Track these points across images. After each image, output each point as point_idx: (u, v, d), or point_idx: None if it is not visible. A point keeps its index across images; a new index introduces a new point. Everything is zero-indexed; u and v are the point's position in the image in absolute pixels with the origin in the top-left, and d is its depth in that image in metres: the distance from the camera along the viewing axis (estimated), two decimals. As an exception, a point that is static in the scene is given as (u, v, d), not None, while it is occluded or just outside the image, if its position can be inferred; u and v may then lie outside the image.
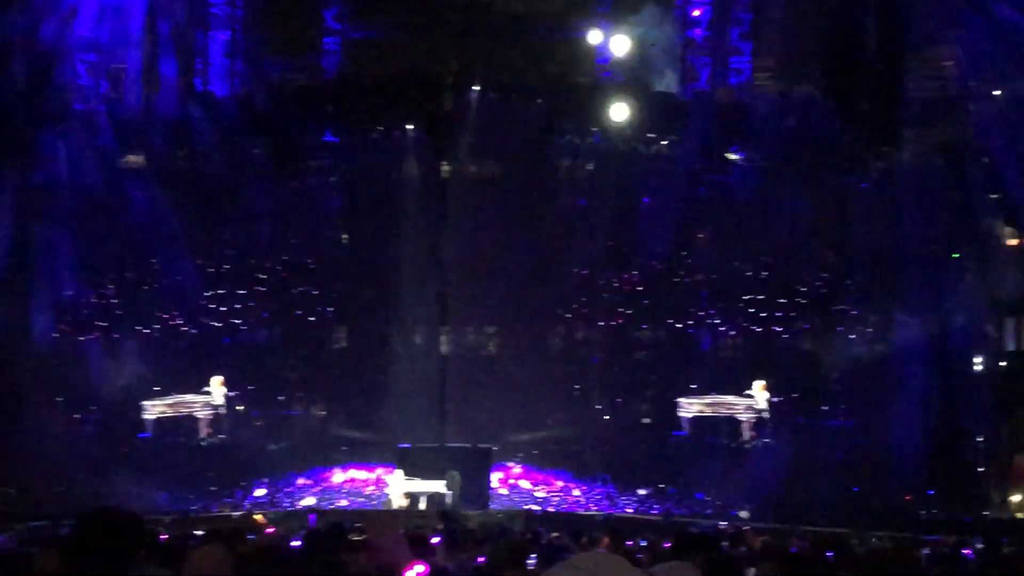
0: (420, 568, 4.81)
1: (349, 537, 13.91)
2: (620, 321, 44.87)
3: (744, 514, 38.24)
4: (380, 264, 43.58)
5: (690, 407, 42.50)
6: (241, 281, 43.84)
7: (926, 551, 19.17)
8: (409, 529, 22.43)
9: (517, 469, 42.29)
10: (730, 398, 42.25)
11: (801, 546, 18.99)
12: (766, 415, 41.95)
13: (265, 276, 44.14)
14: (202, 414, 42.56)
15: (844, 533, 26.73)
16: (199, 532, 23.70)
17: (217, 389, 42.38)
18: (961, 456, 41.03)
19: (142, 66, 43.27)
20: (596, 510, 39.63)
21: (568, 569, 3.43)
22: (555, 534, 25.19)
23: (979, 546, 21.05)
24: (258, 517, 33.68)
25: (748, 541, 19.97)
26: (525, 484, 41.77)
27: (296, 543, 17.13)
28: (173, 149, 43.59)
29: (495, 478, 40.72)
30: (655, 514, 38.49)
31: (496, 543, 16.79)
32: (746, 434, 42.01)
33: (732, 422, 42.23)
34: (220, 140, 43.20)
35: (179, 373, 42.62)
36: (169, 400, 42.21)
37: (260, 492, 40.78)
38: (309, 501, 39.66)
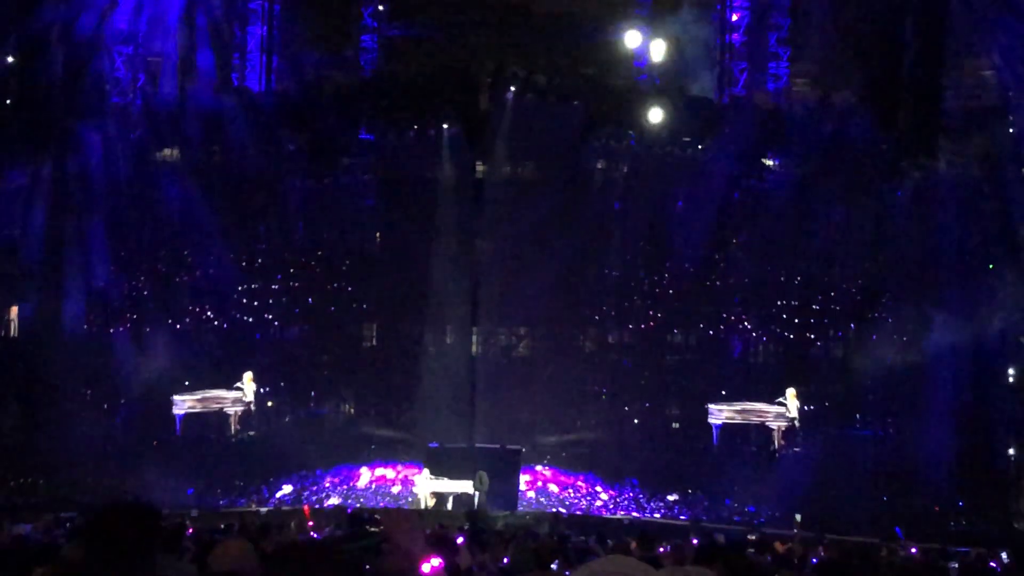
0: (436, 562, 4.75)
1: (367, 529, 13.87)
2: (652, 325, 44.75)
3: (798, 517, 37.97)
4: (413, 263, 43.52)
5: (720, 414, 42.30)
6: (273, 277, 43.92)
7: (953, 564, 19.02)
8: (433, 528, 22.40)
9: (547, 472, 42.20)
10: (761, 405, 42.04)
11: (828, 555, 18.87)
12: (798, 423, 41.73)
13: (298, 272, 44.19)
14: (232, 410, 42.56)
15: (872, 543, 26.65)
16: (225, 526, 23.73)
17: (249, 385, 42.40)
18: (992, 468, 40.79)
19: (179, 60, 43.42)
20: (624, 514, 39.52)
21: (591, 572, 3.36)
22: (582, 537, 25.12)
23: (1005, 559, 20.89)
24: (305, 508, 33.71)
25: (774, 548, 19.87)
26: (553, 487, 41.70)
27: (317, 536, 17.10)
28: (208, 143, 43.65)
29: (523, 480, 40.66)
30: (683, 519, 38.36)
31: (521, 545, 16.72)
32: (777, 442, 41.80)
33: (763, 429, 42.05)
34: (255, 136, 43.27)
35: (210, 367, 42.69)
36: (199, 395, 42.24)
37: (287, 489, 40.83)
38: (335, 500, 39.66)
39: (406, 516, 5.00)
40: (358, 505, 37.86)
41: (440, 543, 15.61)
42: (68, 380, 41.31)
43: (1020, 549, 21.24)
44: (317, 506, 38.24)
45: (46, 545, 14.14)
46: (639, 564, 3.36)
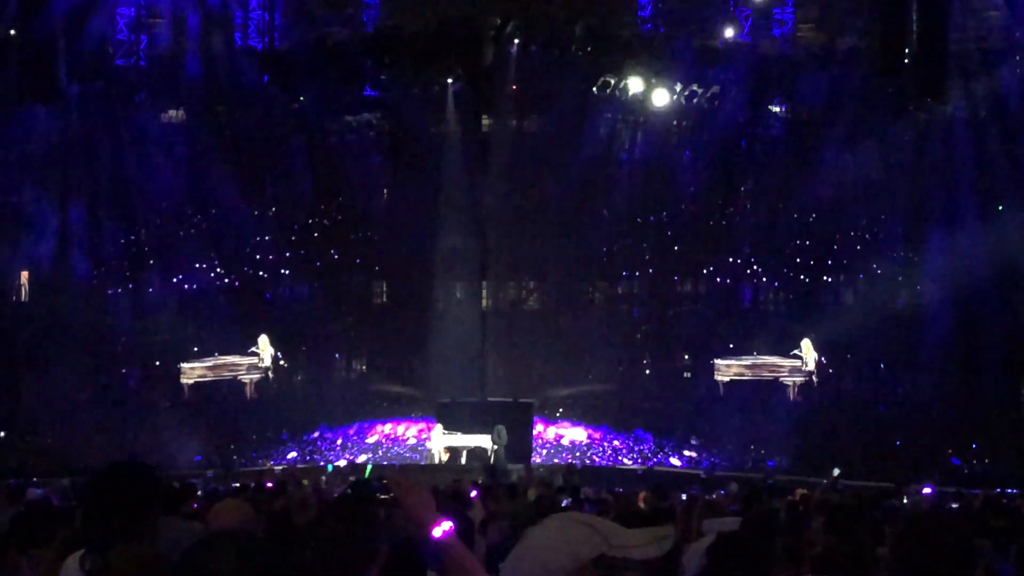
0: (447, 525, 4.76)
1: (376, 495, 13.90)
2: (661, 275, 44.79)
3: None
4: (421, 219, 43.42)
5: (728, 370, 41.95)
6: (281, 236, 43.82)
7: (954, 505, 19.08)
8: (448, 483, 22.47)
9: (562, 430, 42.22)
10: (774, 359, 41.74)
11: (841, 501, 18.87)
12: (815, 377, 41.42)
13: (306, 231, 44.12)
14: (248, 377, 42.15)
15: (886, 487, 26.67)
16: (239, 486, 23.81)
17: (265, 350, 42.00)
18: (1005, 409, 40.82)
19: (181, 21, 43.18)
20: (638, 465, 39.62)
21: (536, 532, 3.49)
22: (594, 488, 25.19)
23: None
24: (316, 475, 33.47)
25: (790, 496, 19.89)
26: (566, 439, 41.81)
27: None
28: (212, 104, 43.47)
29: (536, 432, 40.77)
30: (696, 469, 38.45)
31: (523, 499, 16.77)
32: (792, 397, 41.53)
33: (776, 383, 41.85)
34: (259, 95, 43.12)
35: (218, 329, 42.49)
36: (210, 363, 41.94)
37: (298, 448, 41.00)
38: (347, 458, 39.70)
39: (415, 479, 4.99)
40: (370, 465, 37.93)
41: (454, 498, 15.70)
42: (77, 341, 41.27)
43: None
44: (330, 465, 38.33)
45: (60, 509, 14.21)
46: (583, 517, 3.48)
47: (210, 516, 7.08)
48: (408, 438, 41.64)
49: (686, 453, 41.12)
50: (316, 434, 41.84)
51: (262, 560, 3.21)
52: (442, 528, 4.75)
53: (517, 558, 3.39)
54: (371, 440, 41.63)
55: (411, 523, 4.83)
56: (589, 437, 41.81)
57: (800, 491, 21.51)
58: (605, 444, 41.64)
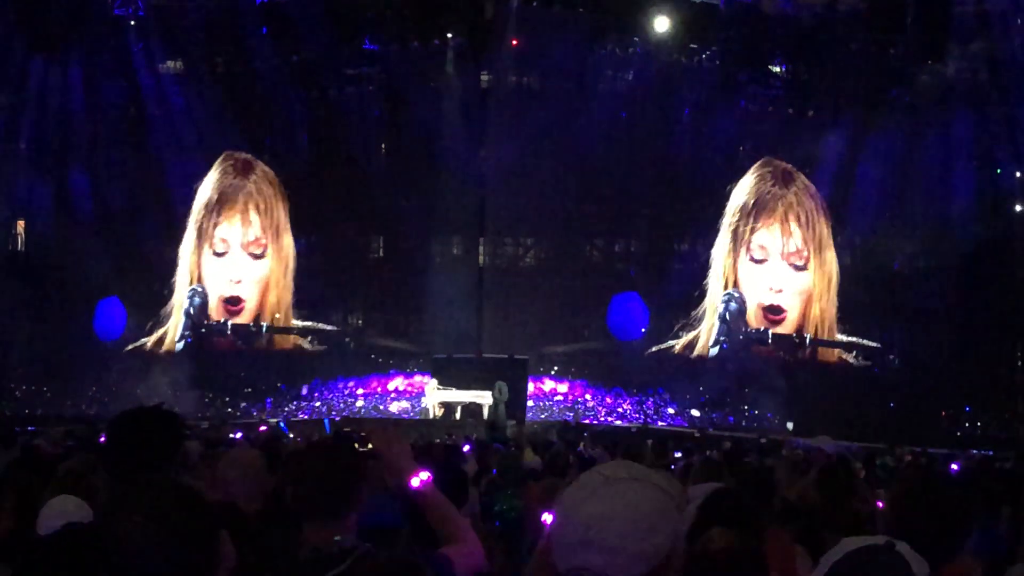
0: (424, 475, 4.81)
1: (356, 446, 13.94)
2: (659, 234, 44.76)
3: (789, 426, 38.11)
4: (419, 174, 43.39)
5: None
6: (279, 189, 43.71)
7: (954, 466, 19.12)
8: (442, 438, 22.55)
9: (562, 387, 42.30)
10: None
11: (830, 460, 18.94)
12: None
13: (303, 184, 43.96)
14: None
15: (877, 448, 26.78)
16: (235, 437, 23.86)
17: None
18: (1000, 372, 40.91)
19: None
20: (632, 423, 39.67)
21: (599, 473, 3.28)
22: (587, 445, 25.24)
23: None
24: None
25: (780, 454, 19.97)
26: (560, 396, 41.88)
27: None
28: (211, 55, 43.35)
29: (531, 389, 40.82)
30: (688, 427, 38.49)
31: (506, 455, 16.81)
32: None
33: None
34: (258, 48, 42.99)
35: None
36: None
37: (295, 399, 41.15)
38: (339, 412, 39.79)
39: (392, 430, 5.02)
40: (346, 415, 38.06)
41: (449, 452, 15.76)
42: (69, 292, 41.36)
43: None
44: (318, 418, 38.39)
45: (57, 457, 14.21)
46: (645, 469, 3.29)
47: (221, 463, 7.07)
48: (402, 393, 41.73)
49: (681, 412, 41.16)
50: (310, 388, 41.97)
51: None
52: (420, 478, 4.79)
53: (607, 516, 2.95)
54: (366, 393, 41.71)
55: (390, 473, 4.88)
56: (583, 394, 41.90)
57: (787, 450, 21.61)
58: (591, 400, 41.72)
